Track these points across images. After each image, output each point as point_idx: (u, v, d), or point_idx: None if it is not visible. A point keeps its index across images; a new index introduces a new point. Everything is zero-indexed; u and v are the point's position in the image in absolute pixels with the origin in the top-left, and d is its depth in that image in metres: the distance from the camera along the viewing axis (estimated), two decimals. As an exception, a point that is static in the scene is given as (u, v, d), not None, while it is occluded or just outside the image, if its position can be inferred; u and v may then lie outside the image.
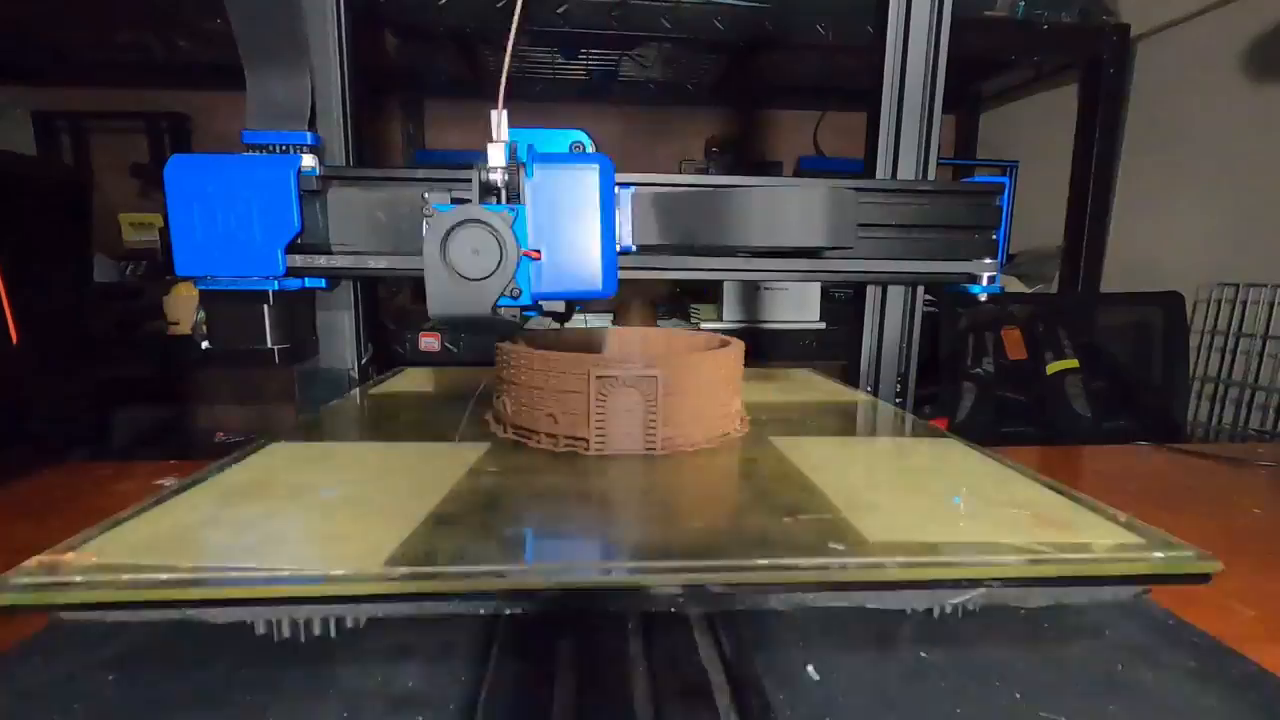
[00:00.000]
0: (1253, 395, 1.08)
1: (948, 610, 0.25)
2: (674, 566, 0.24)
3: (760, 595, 0.24)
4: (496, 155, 0.36)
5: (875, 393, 0.59)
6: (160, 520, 0.28)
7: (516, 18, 0.37)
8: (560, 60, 1.41)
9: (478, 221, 0.34)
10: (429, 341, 1.10)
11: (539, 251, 0.37)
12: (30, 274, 0.66)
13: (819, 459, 0.37)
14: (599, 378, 0.36)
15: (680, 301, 1.28)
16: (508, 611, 0.24)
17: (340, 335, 0.57)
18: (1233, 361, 1.11)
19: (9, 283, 0.60)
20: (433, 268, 0.34)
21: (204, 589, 0.22)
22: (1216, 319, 1.13)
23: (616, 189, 0.44)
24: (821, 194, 0.46)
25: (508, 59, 0.37)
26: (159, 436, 1.47)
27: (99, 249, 1.19)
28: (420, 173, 0.45)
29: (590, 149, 0.40)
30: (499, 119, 0.36)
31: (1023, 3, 1.20)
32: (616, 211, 0.44)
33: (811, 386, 0.59)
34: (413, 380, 0.60)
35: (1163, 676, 0.24)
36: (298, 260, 0.43)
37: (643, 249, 0.47)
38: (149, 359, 1.21)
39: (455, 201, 0.37)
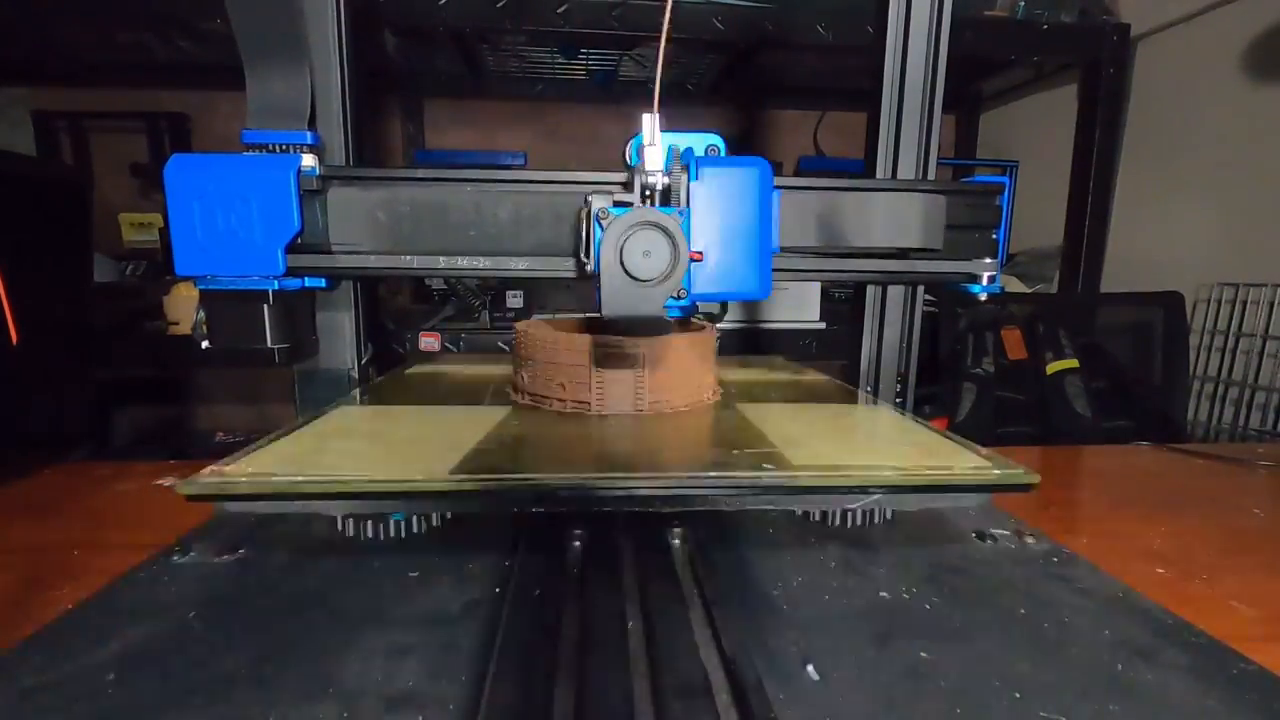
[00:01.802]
0: (1253, 395, 1.08)
1: (857, 520, 0.36)
2: (652, 475, 0.32)
3: (711, 495, 0.31)
4: (654, 159, 0.37)
5: (875, 393, 0.59)
6: (279, 451, 0.36)
7: (667, 18, 0.38)
8: (560, 60, 1.41)
9: (653, 224, 0.35)
10: (429, 342, 1.10)
11: (701, 253, 0.37)
12: (30, 274, 0.66)
13: (772, 418, 0.44)
14: (598, 353, 0.44)
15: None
16: (533, 510, 0.31)
17: (340, 335, 0.56)
18: (1233, 361, 1.12)
19: (9, 283, 0.60)
20: (608, 269, 0.35)
21: (328, 485, 0.30)
22: (1216, 319, 1.13)
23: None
24: (920, 199, 0.48)
25: (660, 66, 0.37)
26: (159, 436, 1.48)
27: (99, 249, 1.19)
28: (421, 171, 0.45)
29: (724, 152, 0.40)
30: (654, 122, 0.36)
31: (1023, 3, 1.20)
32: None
33: (778, 368, 0.68)
34: (431, 367, 0.67)
35: (1163, 676, 0.24)
36: (298, 260, 0.43)
37: (786, 250, 0.47)
38: (149, 359, 1.20)
39: (619, 205, 0.37)
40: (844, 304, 1.21)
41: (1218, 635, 0.26)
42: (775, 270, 0.47)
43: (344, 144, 0.54)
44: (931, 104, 0.55)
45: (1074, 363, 1.06)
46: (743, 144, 1.74)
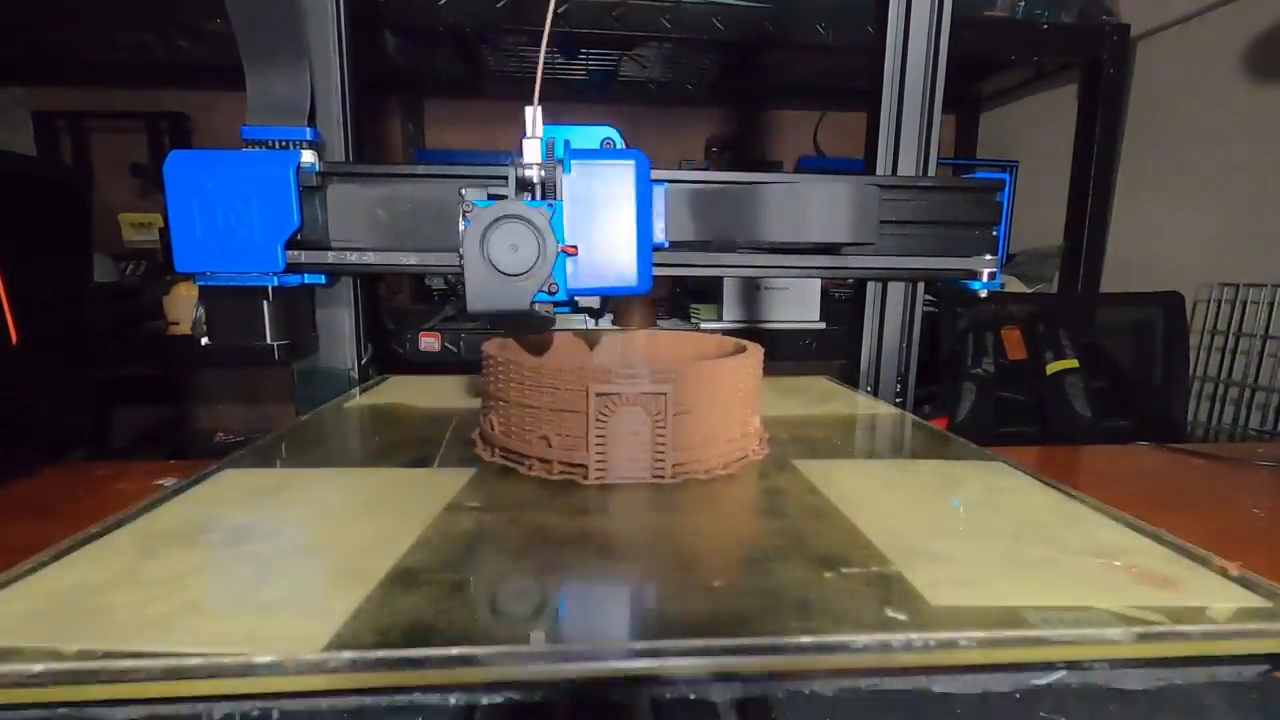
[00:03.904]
0: (1253, 395, 1.08)
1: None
2: (695, 647, 0.20)
3: (802, 681, 0.20)
4: (532, 151, 0.37)
5: (875, 393, 0.59)
6: (57, 579, 0.23)
7: (550, 14, 0.38)
8: (560, 60, 1.41)
9: (517, 217, 0.34)
10: (429, 342, 1.09)
11: (575, 247, 0.37)
12: (30, 274, 0.66)
13: (853, 489, 0.33)
14: (599, 395, 0.33)
15: (680, 300, 1.28)
16: (484, 701, 0.19)
17: (340, 334, 0.56)
18: (1233, 361, 1.11)
19: (9, 283, 0.60)
20: (472, 263, 0.34)
21: (84, 688, 0.18)
22: (1216, 319, 1.13)
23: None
24: (847, 191, 0.46)
25: (542, 55, 0.37)
26: (159, 436, 1.48)
27: (99, 249, 1.19)
28: (421, 169, 0.45)
29: (620, 145, 0.40)
30: (534, 115, 0.37)
31: (1023, 3, 1.20)
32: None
33: (830, 397, 0.55)
34: (397, 391, 0.56)
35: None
36: (297, 256, 0.43)
37: (675, 245, 0.47)
38: (149, 359, 1.20)
39: (492, 198, 0.36)
40: (844, 304, 1.21)
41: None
42: (661, 265, 0.47)
43: (344, 143, 0.54)
44: (931, 104, 0.55)
45: (1074, 363, 1.06)
46: (742, 144, 1.74)
